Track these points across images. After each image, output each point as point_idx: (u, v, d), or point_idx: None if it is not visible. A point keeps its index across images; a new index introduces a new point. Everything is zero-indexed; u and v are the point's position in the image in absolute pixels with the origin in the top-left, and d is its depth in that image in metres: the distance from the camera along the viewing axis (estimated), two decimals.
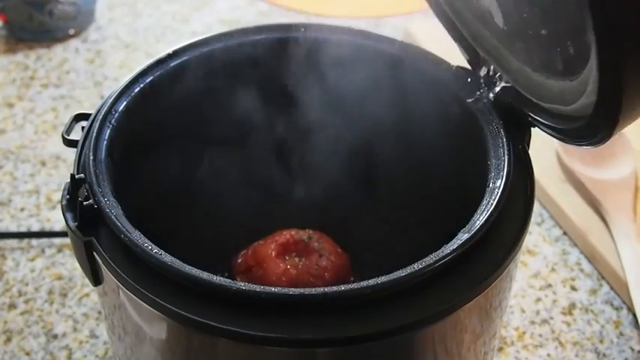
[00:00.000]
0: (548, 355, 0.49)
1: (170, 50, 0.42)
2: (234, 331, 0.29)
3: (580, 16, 0.29)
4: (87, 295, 0.52)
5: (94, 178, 0.34)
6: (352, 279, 0.46)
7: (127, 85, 0.39)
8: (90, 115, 0.39)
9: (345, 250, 0.47)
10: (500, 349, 0.49)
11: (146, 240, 0.31)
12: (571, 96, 0.33)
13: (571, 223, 0.56)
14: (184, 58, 0.42)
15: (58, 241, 0.55)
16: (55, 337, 0.49)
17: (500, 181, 0.35)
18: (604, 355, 0.49)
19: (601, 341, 0.49)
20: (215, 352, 0.32)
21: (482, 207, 0.34)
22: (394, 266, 0.31)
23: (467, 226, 0.33)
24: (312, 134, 0.46)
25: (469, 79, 0.40)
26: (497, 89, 0.39)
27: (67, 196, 0.34)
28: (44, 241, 0.55)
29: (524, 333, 0.50)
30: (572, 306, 0.52)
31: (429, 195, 0.45)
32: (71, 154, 0.37)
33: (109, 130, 0.37)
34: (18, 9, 0.72)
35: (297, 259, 0.45)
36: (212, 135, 0.45)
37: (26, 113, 0.67)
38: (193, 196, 0.46)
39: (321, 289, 0.30)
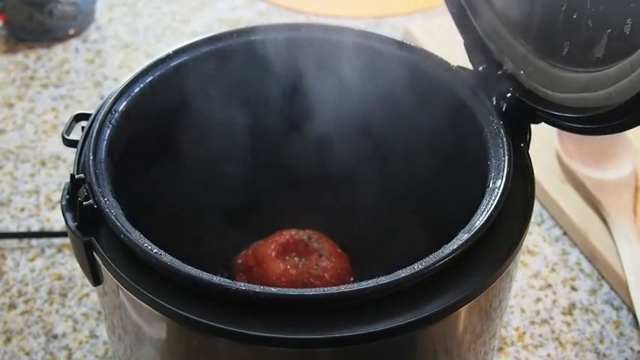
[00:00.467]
0: (548, 355, 0.49)
1: (170, 50, 0.42)
2: (233, 331, 0.29)
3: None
4: (87, 295, 0.51)
5: (93, 178, 0.34)
6: (352, 279, 0.46)
7: (127, 85, 0.39)
8: (90, 115, 0.39)
9: (345, 250, 0.47)
10: (500, 349, 0.49)
11: (146, 240, 0.31)
12: (598, 84, 0.34)
13: (571, 223, 0.56)
14: (184, 58, 0.42)
15: (58, 241, 0.55)
16: (55, 337, 0.49)
17: (500, 181, 0.35)
18: (604, 355, 0.49)
19: (601, 341, 0.49)
20: (215, 352, 0.32)
21: (482, 207, 0.34)
22: (394, 266, 0.31)
23: (467, 226, 0.33)
24: (312, 134, 0.46)
25: (470, 79, 0.40)
26: (502, 86, 0.39)
27: (67, 196, 0.34)
28: (44, 241, 0.55)
29: (524, 333, 0.50)
30: (572, 306, 0.52)
31: (428, 195, 0.45)
32: (71, 154, 0.37)
33: (108, 130, 0.37)
34: (18, 9, 0.72)
35: (296, 260, 0.45)
36: (212, 135, 0.44)
37: (26, 113, 0.67)
38: (193, 196, 0.46)
39: (320, 290, 0.30)
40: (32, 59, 0.73)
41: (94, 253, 0.33)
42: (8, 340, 0.49)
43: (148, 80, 0.40)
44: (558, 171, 0.59)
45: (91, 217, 0.33)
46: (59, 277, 0.53)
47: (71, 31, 0.75)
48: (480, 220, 0.33)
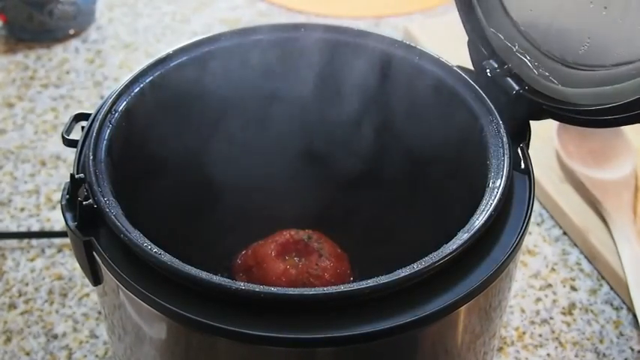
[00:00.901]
0: (548, 355, 0.49)
1: (170, 50, 0.42)
2: (233, 330, 0.29)
3: None
4: (87, 295, 0.52)
5: (93, 178, 0.34)
6: (352, 279, 0.46)
7: (127, 84, 0.39)
8: (90, 115, 0.39)
9: (345, 250, 0.47)
10: (500, 349, 0.49)
11: (145, 240, 0.32)
12: (614, 80, 0.34)
13: (571, 223, 0.56)
14: (184, 58, 0.42)
15: (58, 241, 0.55)
16: (55, 337, 0.49)
17: (499, 180, 0.35)
18: (604, 355, 0.49)
19: (601, 341, 0.49)
20: (214, 351, 0.32)
21: (482, 207, 0.34)
22: (394, 266, 0.31)
23: (467, 226, 0.33)
24: (312, 135, 0.46)
25: (470, 78, 0.40)
26: (504, 84, 0.39)
27: (67, 196, 0.34)
28: (44, 241, 0.55)
29: (524, 333, 0.50)
30: (572, 306, 0.52)
31: (429, 195, 0.45)
32: (71, 154, 0.37)
33: (108, 130, 0.37)
34: (18, 9, 0.72)
35: (296, 259, 0.45)
36: (212, 134, 0.45)
37: (26, 113, 0.67)
38: (193, 196, 0.46)
39: (320, 289, 0.30)
40: (32, 59, 0.73)
41: (94, 253, 0.33)
42: (8, 340, 0.49)
43: (147, 80, 0.40)
44: (558, 171, 0.59)
45: (90, 216, 0.33)
46: (59, 277, 0.53)
47: (71, 31, 0.75)
48: (479, 219, 0.33)
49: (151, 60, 0.41)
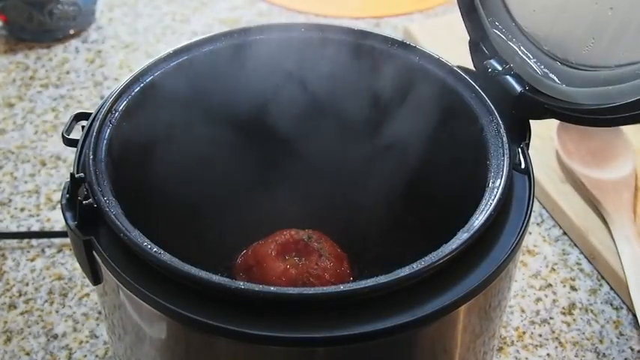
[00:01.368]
0: (548, 355, 0.49)
1: (170, 50, 0.42)
2: (233, 330, 0.29)
3: None
4: (87, 295, 0.52)
5: (93, 178, 0.34)
6: (352, 279, 0.46)
7: (127, 84, 0.40)
8: (90, 114, 0.39)
9: (345, 250, 0.47)
10: (500, 349, 0.49)
11: (145, 239, 0.32)
12: (618, 79, 0.34)
13: (571, 223, 0.56)
14: (184, 57, 0.42)
15: (58, 241, 0.55)
16: (55, 337, 0.49)
17: (499, 180, 0.35)
18: (604, 355, 0.49)
19: (601, 341, 0.49)
20: (214, 351, 0.32)
21: (481, 207, 0.34)
22: (394, 266, 0.31)
23: (466, 226, 0.33)
24: (312, 135, 0.46)
25: (470, 78, 0.40)
26: (505, 84, 0.39)
27: (67, 196, 0.34)
28: (44, 241, 0.55)
29: (524, 333, 0.50)
30: (572, 306, 0.52)
31: (429, 194, 0.45)
32: (71, 154, 0.37)
33: (109, 130, 0.37)
34: (18, 9, 0.72)
35: (296, 259, 0.45)
36: (212, 134, 0.45)
37: (26, 113, 0.67)
38: (193, 196, 0.46)
39: (320, 289, 0.30)
40: (32, 59, 0.73)
41: (94, 252, 0.33)
42: (8, 339, 0.49)
43: (148, 80, 0.40)
44: (558, 171, 0.59)
45: (90, 216, 0.33)
46: (59, 277, 0.53)
47: (71, 31, 0.75)
48: (479, 219, 0.33)
49: (150, 60, 0.41)
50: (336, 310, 0.30)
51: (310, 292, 0.30)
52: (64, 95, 0.69)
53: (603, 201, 0.55)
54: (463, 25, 0.44)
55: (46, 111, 0.67)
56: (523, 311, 0.51)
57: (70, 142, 0.39)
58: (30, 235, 0.55)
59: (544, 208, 0.59)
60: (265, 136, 0.47)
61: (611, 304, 0.52)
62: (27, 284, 0.52)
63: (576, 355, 0.49)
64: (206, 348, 0.32)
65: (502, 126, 0.37)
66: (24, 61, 0.73)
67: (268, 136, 0.47)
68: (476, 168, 0.38)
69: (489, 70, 0.41)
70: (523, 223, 0.34)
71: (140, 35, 0.76)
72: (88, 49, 0.74)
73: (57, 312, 0.50)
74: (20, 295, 0.52)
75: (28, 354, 0.48)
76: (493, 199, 0.34)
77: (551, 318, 0.51)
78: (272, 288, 0.30)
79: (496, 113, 0.38)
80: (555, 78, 0.39)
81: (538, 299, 0.52)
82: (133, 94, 0.40)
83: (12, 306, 0.51)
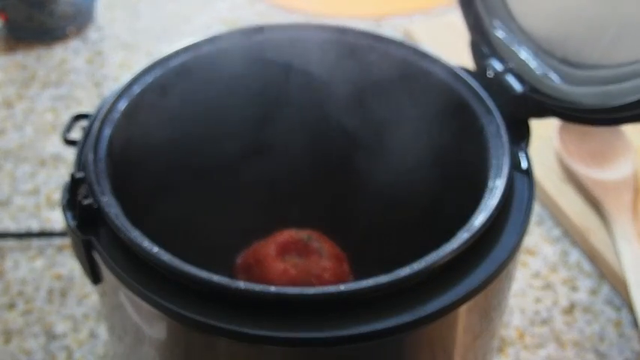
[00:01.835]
0: (549, 355, 0.49)
1: (171, 50, 0.42)
2: (232, 329, 0.29)
3: None
4: (87, 295, 0.52)
5: (93, 177, 0.34)
6: (352, 279, 0.46)
7: (127, 84, 0.40)
8: (90, 114, 0.39)
9: (345, 250, 0.48)
10: (500, 349, 0.49)
11: (145, 239, 0.32)
12: (620, 78, 0.34)
13: (571, 223, 0.56)
14: (185, 58, 0.42)
15: (58, 241, 0.55)
16: (55, 337, 0.49)
17: (499, 180, 0.35)
18: (604, 355, 0.49)
19: (601, 341, 0.49)
20: (214, 351, 0.32)
21: (482, 207, 0.34)
22: (394, 266, 0.31)
23: (466, 226, 0.33)
24: (312, 135, 0.46)
25: (470, 78, 0.40)
26: (505, 83, 0.39)
27: (67, 196, 0.34)
28: (44, 241, 0.55)
29: (524, 333, 0.50)
30: (572, 306, 0.52)
31: (428, 194, 0.45)
32: (71, 154, 0.37)
33: (109, 130, 0.37)
34: (18, 9, 0.72)
35: (296, 259, 0.45)
36: (213, 134, 0.45)
37: (26, 113, 0.67)
38: (194, 196, 0.46)
39: (320, 289, 0.30)
40: (32, 59, 0.73)
41: (94, 252, 0.33)
42: (8, 340, 0.49)
43: (148, 80, 0.40)
44: (558, 171, 0.59)
45: (90, 216, 0.33)
46: (59, 277, 0.53)
47: (71, 31, 0.75)
48: (479, 219, 0.33)
49: (151, 60, 0.41)
50: (336, 310, 0.30)
51: (310, 292, 0.30)
52: (63, 95, 0.69)
53: (603, 201, 0.55)
54: (463, 25, 0.44)
55: (45, 111, 0.67)
56: (523, 311, 0.51)
57: (70, 143, 0.39)
58: (30, 235, 0.55)
59: (544, 208, 0.59)
60: (266, 136, 0.47)
61: (612, 304, 0.52)
62: (27, 284, 0.52)
63: (576, 356, 0.49)
64: (206, 348, 0.32)
65: (502, 126, 0.37)
66: (24, 61, 0.73)
67: (269, 136, 0.47)
68: (476, 168, 0.38)
69: (489, 70, 0.41)
70: (523, 223, 0.34)
71: (140, 35, 0.76)
72: (88, 49, 0.74)
73: (57, 312, 0.50)
74: (20, 295, 0.52)
75: (28, 354, 0.48)
76: (493, 199, 0.34)
77: (551, 318, 0.51)
78: (272, 288, 0.30)
79: (496, 113, 0.38)
80: (555, 77, 0.39)
81: (538, 299, 0.52)
82: (133, 94, 0.40)
83: (12, 306, 0.51)
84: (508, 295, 0.37)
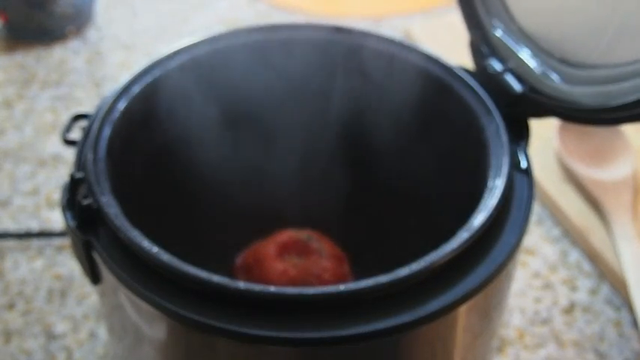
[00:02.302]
0: (548, 355, 0.49)
1: (170, 50, 0.42)
2: (232, 330, 0.29)
3: None
4: (87, 295, 0.52)
5: (93, 178, 0.34)
6: (352, 279, 0.46)
7: (126, 85, 0.40)
8: (90, 114, 0.39)
9: (345, 251, 0.48)
10: (500, 349, 0.49)
11: (145, 239, 0.32)
12: (620, 78, 0.34)
13: (571, 223, 0.56)
14: (184, 58, 0.42)
15: (57, 241, 0.55)
16: (55, 337, 0.49)
17: (499, 180, 0.35)
18: (604, 355, 0.49)
19: (601, 341, 0.49)
20: (213, 351, 0.32)
21: (481, 206, 0.34)
22: (394, 266, 0.31)
23: (466, 226, 0.33)
24: (313, 135, 0.46)
25: (470, 78, 0.40)
26: (505, 83, 0.39)
27: (67, 196, 0.34)
28: (44, 241, 0.55)
29: (524, 333, 0.50)
30: (572, 306, 0.52)
31: (429, 194, 0.45)
32: (71, 154, 0.37)
33: (108, 130, 0.37)
34: (18, 9, 0.72)
35: (296, 259, 0.45)
36: (212, 135, 0.45)
37: (26, 113, 0.67)
38: (193, 197, 0.46)
39: (320, 289, 0.30)
40: (32, 59, 0.73)
41: (94, 252, 0.33)
42: (8, 340, 0.49)
43: (148, 80, 0.40)
44: (558, 171, 0.59)
45: (90, 216, 0.33)
46: (59, 277, 0.53)
47: (71, 32, 0.75)
48: (479, 219, 0.33)
49: (150, 60, 0.41)
50: (336, 310, 0.30)
51: (310, 292, 0.30)
52: (63, 95, 0.69)
53: (603, 201, 0.55)
54: (463, 25, 0.44)
55: (45, 111, 0.67)
56: (523, 311, 0.51)
57: (70, 143, 0.39)
58: (30, 235, 0.55)
59: (544, 208, 0.59)
60: (266, 136, 0.47)
61: (612, 304, 0.52)
62: (26, 284, 0.52)
63: (576, 355, 0.49)
64: (205, 348, 0.32)
65: (502, 125, 0.37)
66: (24, 61, 0.73)
67: (269, 136, 0.47)
68: (476, 168, 0.38)
69: (489, 69, 0.41)
70: (523, 223, 0.34)
71: (139, 35, 0.77)
72: (87, 49, 0.74)
73: (57, 312, 0.50)
74: (19, 295, 0.52)
75: (27, 354, 0.48)
76: (493, 199, 0.34)
77: (551, 318, 0.51)
78: (272, 288, 0.30)
79: (496, 113, 0.38)
80: (555, 77, 0.39)
81: (538, 299, 0.52)
82: (133, 94, 0.40)
83: (11, 306, 0.51)
84: (508, 295, 0.37)
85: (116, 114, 0.38)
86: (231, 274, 0.47)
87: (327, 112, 0.45)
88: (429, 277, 0.31)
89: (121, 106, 0.39)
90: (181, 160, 0.44)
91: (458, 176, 0.41)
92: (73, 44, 0.75)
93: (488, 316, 0.35)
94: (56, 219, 0.57)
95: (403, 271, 0.30)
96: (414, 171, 0.45)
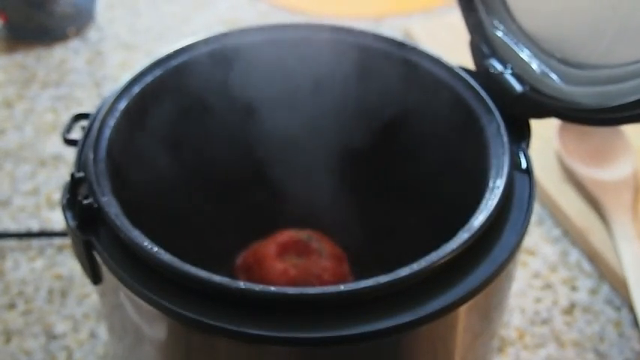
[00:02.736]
0: (549, 355, 0.49)
1: (170, 50, 0.42)
2: (232, 329, 0.29)
3: None
4: (87, 295, 0.52)
5: (93, 177, 0.34)
6: (352, 279, 0.46)
7: (127, 85, 0.40)
8: (90, 114, 0.39)
9: (345, 251, 0.48)
10: (501, 349, 0.49)
11: (145, 239, 0.32)
12: (620, 78, 0.34)
13: (571, 223, 0.56)
14: (185, 58, 0.42)
15: (57, 241, 0.55)
16: (55, 337, 0.49)
17: (500, 180, 0.35)
18: (604, 355, 0.49)
19: (601, 341, 0.49)
20: (213, 350, 0.32)
21: (482, 206, 0.34)
22: (394, 266, 0.31)
23: (467, 226, 0.33)
24: (312, 136, 0.46)
25: (470, 78, 0.40)
26: (505, 84, 0.39)
27: (67, 195, 0.34)
28: (44, 241, 0.55)
29: (524, 333, 0.50)
30: (573, 306, 0.52)
31: (429, 194, 0.45)
32: (71, 154, 0.37)
33: (109, 130, 0.37)
34: (18, 9, 0.72)
35: (296, 259, 0.45)
36: (212, 135, 0.45)
37: (26, 113, 0.67)
38: (194, 197, 0.46)
39: (320, 289, 0.30)
40: (32, 59, 0.73)
41: (94, 252, 0.33)
42: (8, 340, 0.49)
43: (148, 80, 0.40)
44: (558, 171, 0.59)
45: (91, 215, 0.33)
46: (59, 277, 0.53)
47: (71, 31, 0.75)
48: (479, 219, 0.33)
49: (151, 60, 0.41)
50: (336, 310, 0.30)
51: (310, 292, 0.30)
52: (63, 95, 0.69)
53: (603, 201, 0.55)
54: (463, 25, 0.44)
55: (45, 111, 0.67)
56: (523, 311, 0.51)
57: (70, 143, 0.39)
58: (30, 235, 0.55)
59: (544, 208, 0.59)
60: (267, 136, 0.47)
61: (612, 304, 0.52)
62: (27, 284, 0.52)
63: (577, 355, 0.49)
64: (206, 347, 0.32)
65: (502, 126, 0.37)
66: (24, 61, 0.73)
67: (270, 136, 0.47)
68: (476, 168, 0.38)
69: (490, 70, 0.41)
70: (523, 223, 0.34)
71: (140, 35, 0.77)
72: (88, 49, 0.74)
73: (57, 312, 0.50)
74: (20, 295, 0.52)
75: (27, 354, 0.48)
76: (494, 199, 0.34)
77: (551, 318, 0.51)
78: (272, 288, 0.30)
79: (496, 113, 0.38)
80: (555, 77, 0.39)
81: (538, 299, 0.52)
82: (133, 94, 0.40)
83: (12, 306, 0.51)
84: (508, 295, 0.37)
85: (116, 114, 0.38)
86: (231, 274, 0.47)
87: (327, 113, 0.45)
88: (429, 277, 0.31)
89: (122, 106, 0.39)
90: (181, 160, 0.44)
91: (458, 176, 0.41)
92: (73, 44, 0.75)
93: (489, 316, 0.35)
94: (56, 219, 0.57)
95: (403, 271, 0.30)
96: (414, 171, 0.45)
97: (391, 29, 0.77)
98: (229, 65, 0.43)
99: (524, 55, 0.40)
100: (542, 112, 0.39)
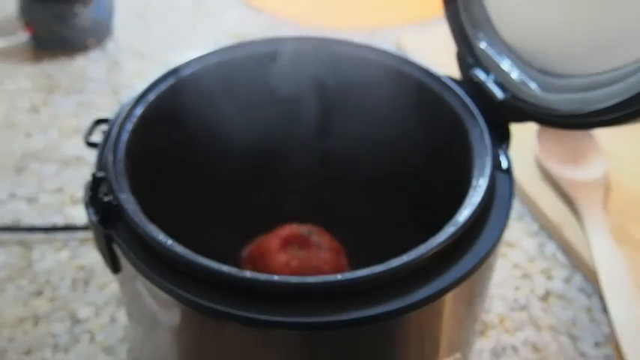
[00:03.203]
0: (526, 338, 0.49)
1: (183, 60, 0.42)
2: (239, 315, 0.29)
3: None
4: (107, 283, 0.52)
5: (113, 177, 0.34)
6: (348, 270, 0.46)
7: (143, 92, 0.40)
8: (109, 119, 0.40)
9: (343, 244, 0.48)
10: (483, 332, 0.49)
11: (160, 233, 0.32)
12: (598, 85, 0.34)
13: (548, 218, 0.56)
14: (196, 68, 0.42)
15: (80, 234, 0.55)
16: (79, 321, 0.49)
17: (483, 179, 0.35)
18: (577, 338, 0.49)
19: (574, 325, 0.50)
20: (222, 334, 0.32)
21: (466, 203, 0.34)
22: (387, 258, 0.31)
23: (452, 221, 0.33)
24: (313, 137, 0.47)
25: (457, 86, 0.40)
26: (488, 91, 0.40)
27: (89, 193, 0.34)
28: (68, 235, 0.56)
29: (504, 318, 0.50)
30: (548, 294, 0.52)
31: (420, 193, 0.45)
32: (92, 155, 0.37)
33: (126, 134, 0.37)
34: (43, 22, 0.73)
35: (298, 252, 0.46)
36: (220, 137, 0.45)
37: (51, 118, 0.67)
38: (204, 195, 0.46)
39: (320, 278, 0.30)
40: (56, 68, 0.73)
41: (114, 245, 0.34)
42: (36, 324, 0.49)
43: (162, 88, 0.40)
44: (536, 171, 0.60)
45: (110, 211, 0.33)
46: (82, 268, 0.53)
47: (91, 43, 0.75)
48: (464, 215, 0.33)
49: (164, 69, 0.41)
50: (334, 297, 0.30)
51: (311, 280, 0.30)
52: (84, 101, 0.69)
53: (577, 198, 0.56)
54: (451, 37, 0.44)
55: (68, 116, 0.67)
56: (504, 299, 0.52)
57: (91, 145, 0.39)
58: (55, 229, 0.56)
59: (523, 205, 0.59)
60: (271, 139, 0.47)
61: (584, 292, 0.52)
62: (52, 274, 0.53)
63: (552, 338, 0.49)
64: (216, 331, 0.32)
65: (485, 130, 0.38)
66: (48, 70, 0.73)
67: (274, 139, 0.47)
68: (461, 168, 0.38)
69: (474, 78, 0.41)
70: (504, 219, 0.35)
71: (153, 46, 0.77)
72: (106, 59, 0.74)
73: (80, 299, 0.51)
74: (46, 284, 0.52)
75: (54, 337, 0.48)
76: (477, 197, 0.34)
77: (529, 305, 0.51)
78: (276, 277, 0.30)
79: (480, 118, 0.38)
80: (534, 86, 0.39)
81: (517, 288, 0.52)
82: (148, 100, 0.40)
83: (39, 293, 0.51)
84: (490, 284, 0.38)
85: (133, 119, 0.38)
86: (238, 265, 0.47)
87: (326, 115, 0.45)
88: (418, 267, 0.31)
89: (138, 111, 0.39)
90: (192, 161, 0.44)
91: (445, 176, 0.41)
92: (93, 54, 0.75)
93: (472, 303, 0.35)
94: (79, 214, 0.57)
95: (395, 262, 0.30)
96: (405, 171, 0.46)
97: (384, 41, 0.77)
98: (239, 75, 0.43)
99: (506, 65, 0.40)
100: (522, 117, 0.39)
